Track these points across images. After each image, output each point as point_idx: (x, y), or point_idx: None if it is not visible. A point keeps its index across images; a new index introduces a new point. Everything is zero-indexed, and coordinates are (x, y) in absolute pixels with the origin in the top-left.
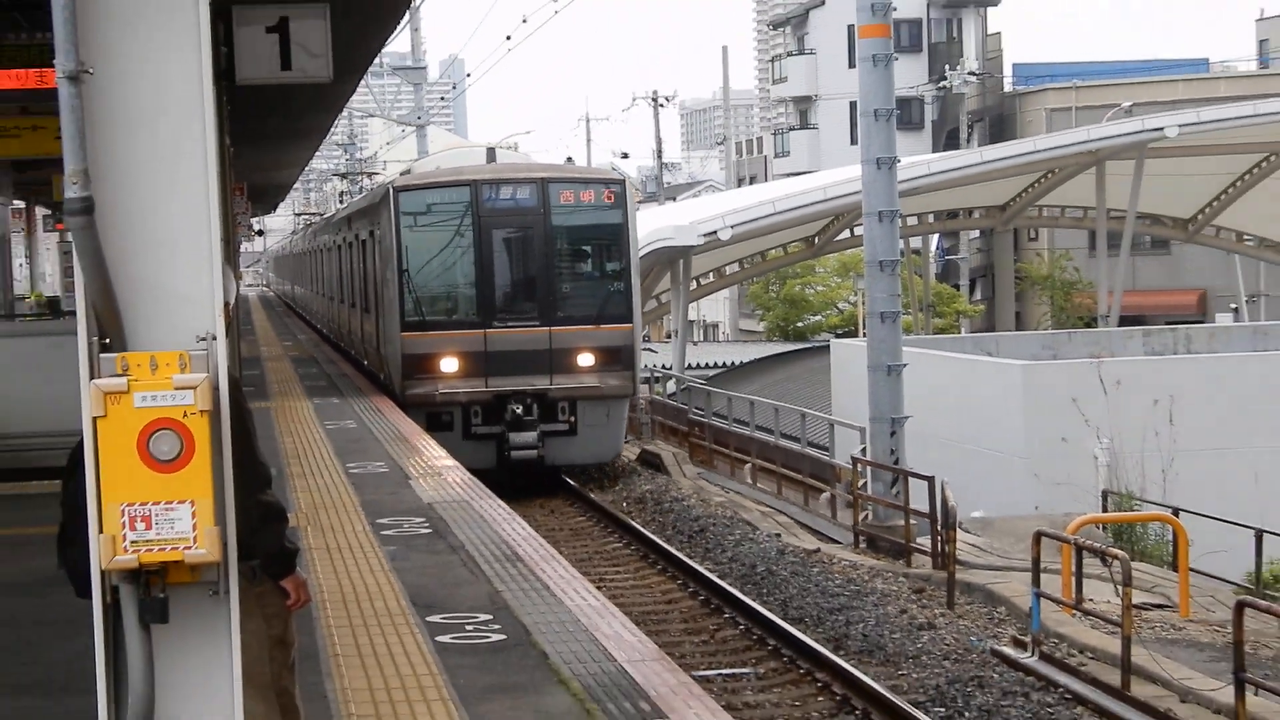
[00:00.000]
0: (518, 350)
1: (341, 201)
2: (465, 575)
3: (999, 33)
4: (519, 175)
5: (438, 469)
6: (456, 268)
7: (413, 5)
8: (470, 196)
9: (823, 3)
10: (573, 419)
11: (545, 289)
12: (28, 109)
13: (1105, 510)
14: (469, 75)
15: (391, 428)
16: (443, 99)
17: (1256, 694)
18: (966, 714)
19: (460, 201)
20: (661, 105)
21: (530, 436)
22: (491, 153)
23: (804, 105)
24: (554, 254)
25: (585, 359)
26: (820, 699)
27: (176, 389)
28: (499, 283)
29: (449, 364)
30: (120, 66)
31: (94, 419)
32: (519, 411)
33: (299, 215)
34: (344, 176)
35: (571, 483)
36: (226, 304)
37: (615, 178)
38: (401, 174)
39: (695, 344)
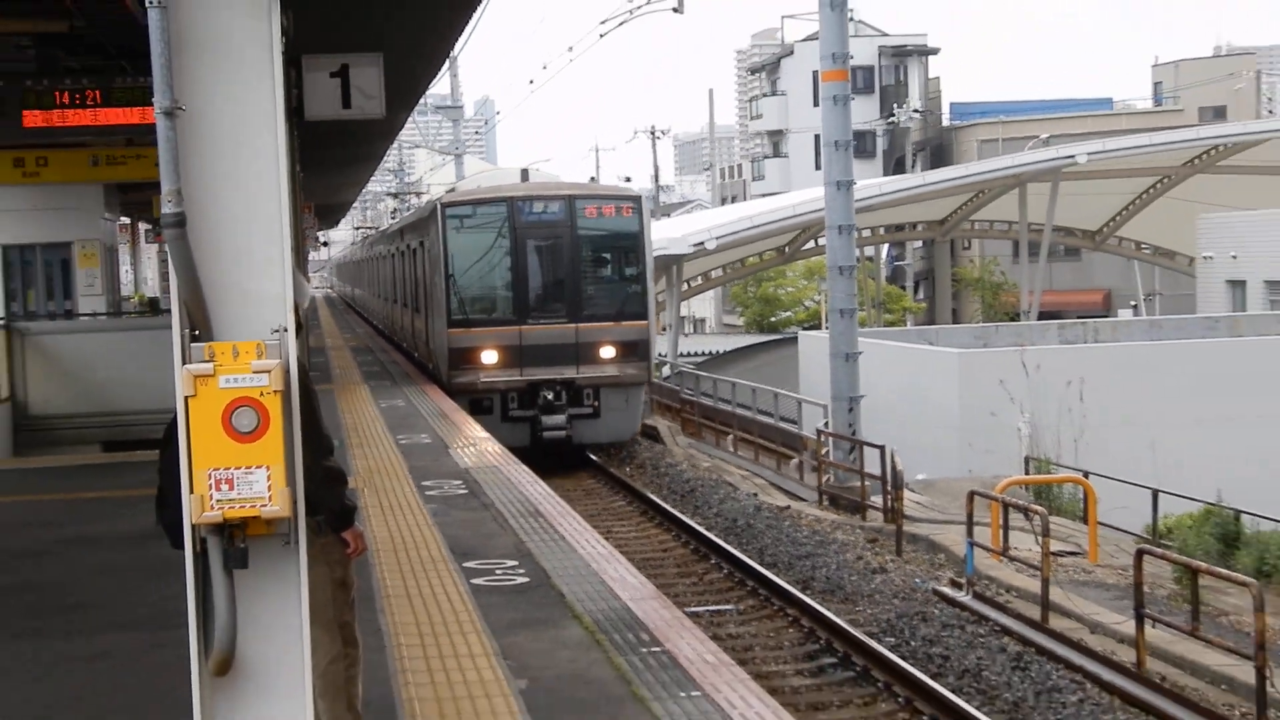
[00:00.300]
0: (549, 344)
1: (393, 218)
2: (495, 528)
3: (938, 77)
4: (549, 193)
5: (473, 440)
6: (495, 273)
7: (452, 54)
8: (507, 211)
9: (792, 52)
10: (596, 403)
11: (572, 291)
12: (132, 141)
13: (1027, 473)
14: (499, 113)
15: (434, 407)
16: (477, 132)
17: (1154, 627)
18: (912, 643)
19: (499, 216)
20: (658, 138)
21: (560, 419)
22: (525, 174)
23: (776, 138)
24: (579, 260)
25: (607, 351)
26: (790, 630)
27: (254, 373)
28: (532, 285)
29: (489, 356)
30: (208, 104)
31: (186, 398)
32: (550, 397)
33: (357, 229)
34: (395, 196)
35: (594, 458)
36: (298, 304)
37: (632, 194)
38: (447, 193)
39: (686, 335)
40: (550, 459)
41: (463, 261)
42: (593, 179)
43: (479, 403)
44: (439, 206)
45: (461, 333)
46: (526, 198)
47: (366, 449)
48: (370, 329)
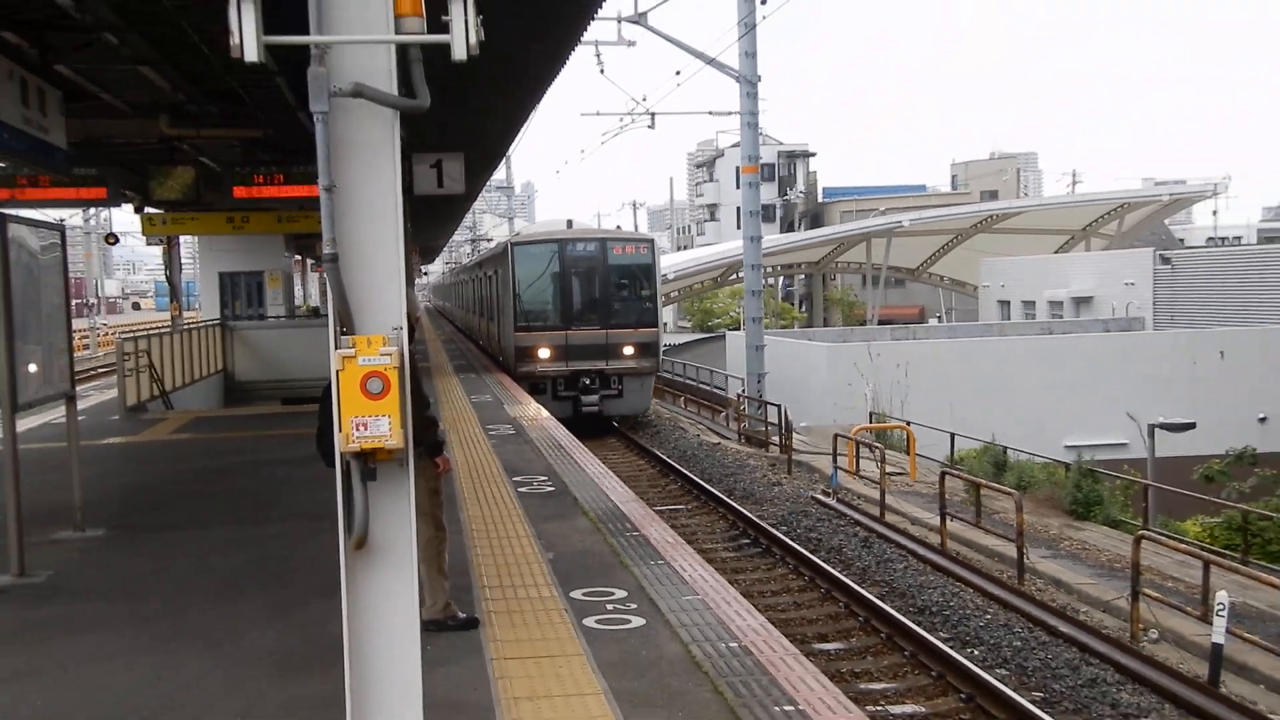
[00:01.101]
0: (587, 344)
1: (469, 257)
2: (533, 455)
3: (815, 170)
4: (588, 236)
5: (520, 402)
6: (549, 292)
7: (506, 154)
8: (558, 249)
9: (722, 154)
10: (620, 387)
11: (604, 306)
12: (303, 206)
13: (871, 423)
14: (536, 191)
15: (495, 380)
16: (522, 203)
17: (952, 521)
18: (798, 531)
19: (552, 251)
20: (637, 208)
21: (594, 398)
22: (570, 223)
23: (713, 208)
24: (609, 284)
25: (628, 349)
26: (720, 522)
27: (380, 355)
28: (575, 302)
29: (544, 352)
30: (353, 183)
31: (337, 371)
32: (587, 383)
33: (446, 264)
34: (471, 242)
35: (615, 424)
36: (411, 312)
37: (648, 238)
38: (514, 235)
39: None
40: (585, 424)
41: (525, 283)
42: (619, 227)
43: (536, 386)
44: (510, 245)
45: (524, 335)
46: (571, 239)
47: (450, 406)
48: (455, 330)
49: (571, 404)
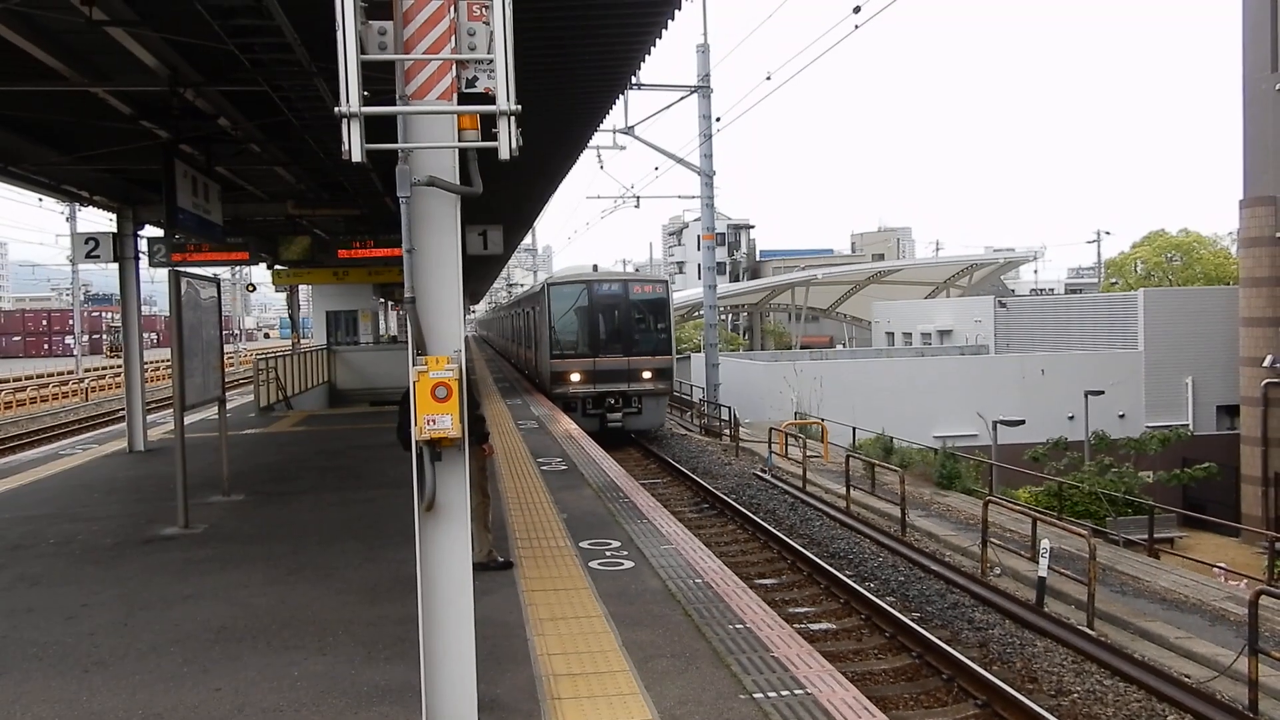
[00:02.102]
0: (612, 369)
1: (506, 297)
2: (551, 443)
3: (754, 238)
4: (612, 278)
5: (544, 404)
6: (579, 325)
7: (532, 225)
8: (587, 288)
9: (688, 225)
10: (640, 405)
11: (626, 337)
12: (388, 264)
13: (796, 419)
14: (554, 252)
15: (525, 389)
16: (543, 261)
17: (854, 489)
18: (743, 498)
19: (581, 290)
20: (625, 264)
21: (618, 415)
22: (595, 267)
23: (681, 264)
24: (631, 318)
25: (647, 373)
26: (687, 492)
27: (445, 370)
28: (601, 333)
29: (575, 376)
30: (426, 246)
31: (414, 382)
32: (612, 402)
33: (488, 304)
34: (507, 288)
35: (632, 435)
36: (466, 339)
37: (663, 279)
38: (550, 277)
39: None
40: (609, 437)
41: (559, 317)
42: (636, 269)
43: (569, 404)
44: (546, 285)
45: (559, 361)
46: (598, 280)
47: (492, 408)
48: (496, 354)
49: (598, 420)
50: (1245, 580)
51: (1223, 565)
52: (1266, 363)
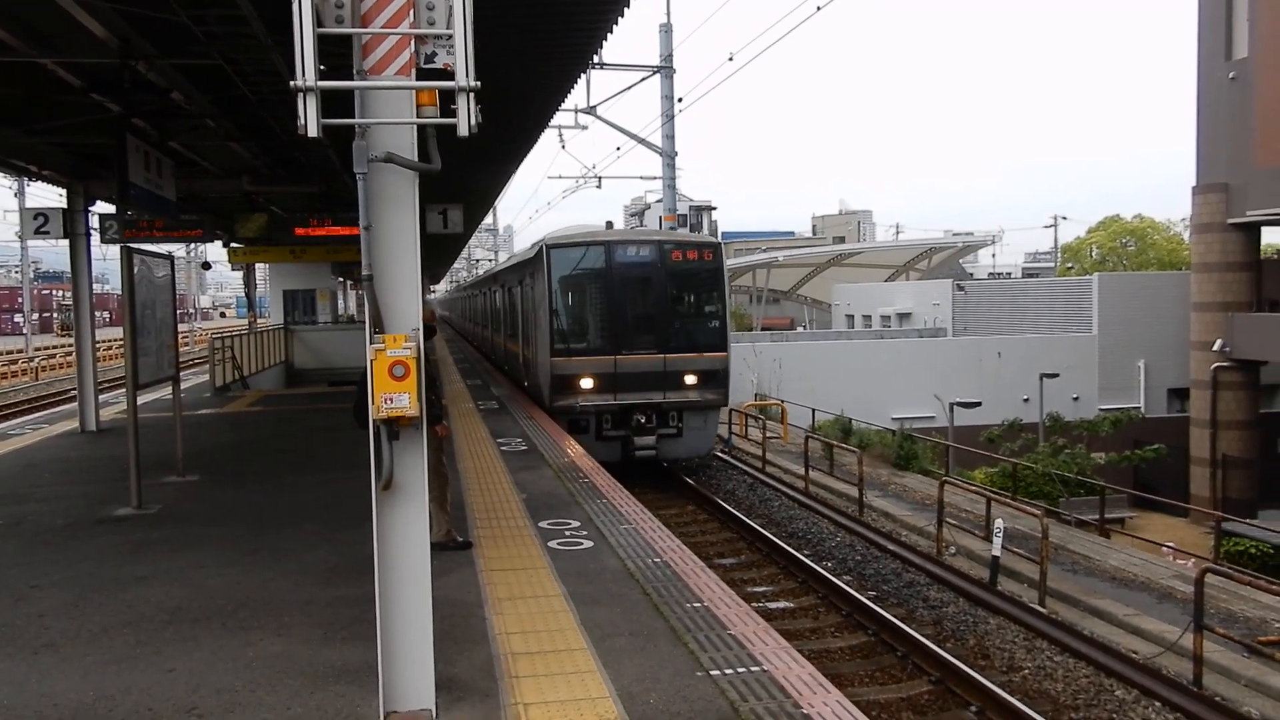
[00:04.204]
0: (641, 372)
1: (467, 277)
2: (511, 424)
3: (716, 219)
4: (641, 238)
5: (501, 382)
6: (594, 307)
7: (493, 205)
8: (605, 253)
9: (650, 207)
10: (680, 424)
11: (663, 325)
12: (347, 241)
13: (756, 400)
14: (515, 232)
15: (483, 368)
16: (504, 241)
17: (813, 470)
18: (702, 478)
19: (597, 256)
20: None
21: (650, 439)
22: (610, 224)
23: None
24: (668, 298)
25: (691, 378)
26: (646, 473)
27: (403, 348)
28: (626, 319)
29: (587, 382)
30: (384, 224)
31: (370, 360)
32: (641, 420)
33: (451, 284)
34: (469, 269)
35: (665, 464)
36: (429, 318)
37: (713, 241)
38: (549, 236)
39: None
40: (636, 469)
41: (565, 296)
42: (673, 227)
43: (577, 423)
44: (544, 248)
45: (563, 361)
46: (623, 241)
47: (450, 386)
48: (453, 331)
49: (620, 445)
50: (1193, 559)
51: (1171, 544)
52: (1216, 347)
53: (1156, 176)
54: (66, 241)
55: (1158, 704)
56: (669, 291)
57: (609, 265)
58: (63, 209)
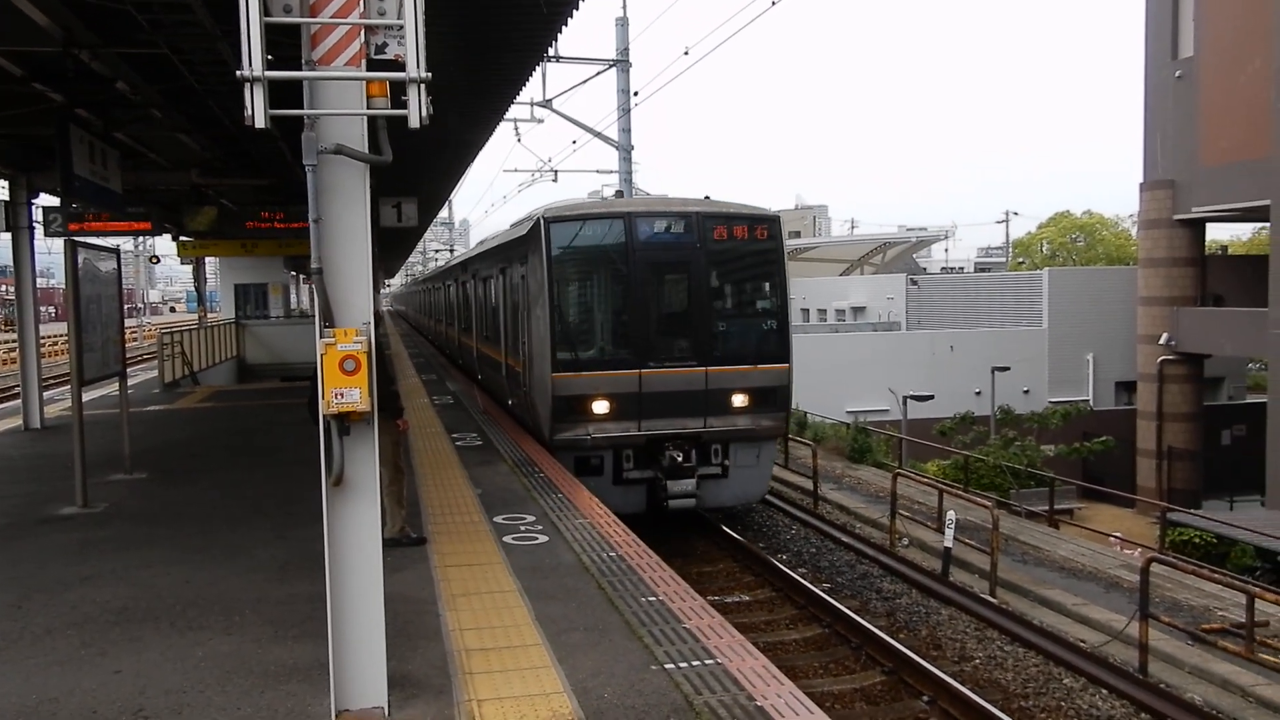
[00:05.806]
0: (674, 390)
1: (423, 272)
2: (467, 418)
3: None
4: (672, 209)
5: (460, 380)
6: (609, 302)
7: (449, 198)
8: (624, 227)
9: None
10: (726, 461)
11: (702, 326)
12: (298, 235)
13: None
14: (471, 226)
15: (437, 359)
16: (460, 234)
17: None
18: None
19: (615, 232)
20: None
21: (688, 483)
22: (620, 193)
23: None
24: (708, 291)
25: (740, 398)
26: None
27: (354, 342)
28: (653, 319)
29: (600, 405)
30: (335, 217)
31: (321, 355)
32: (677, 458)
33: (406, 278)
34: (424, 263)
35: (706, 514)
36: (376, 309)
37: (769, 214)
38: (548, 208)
39: None
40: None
41: (570, 287)
42: (707, 197)
43: (585, 461)
44: (542, 222)
45: (568, 377)
46: (648, 213)
47: (406, 381)
48: (411, 329)
49: (646, 491)
50: (1139, 549)
51: (1118, 535)
52: (1162, 341)
53: (1107, 173)
54: (9, 235)
55: (1104, 691)
56: (711, 281)
57: (630, 246)
58: (5, 201)
